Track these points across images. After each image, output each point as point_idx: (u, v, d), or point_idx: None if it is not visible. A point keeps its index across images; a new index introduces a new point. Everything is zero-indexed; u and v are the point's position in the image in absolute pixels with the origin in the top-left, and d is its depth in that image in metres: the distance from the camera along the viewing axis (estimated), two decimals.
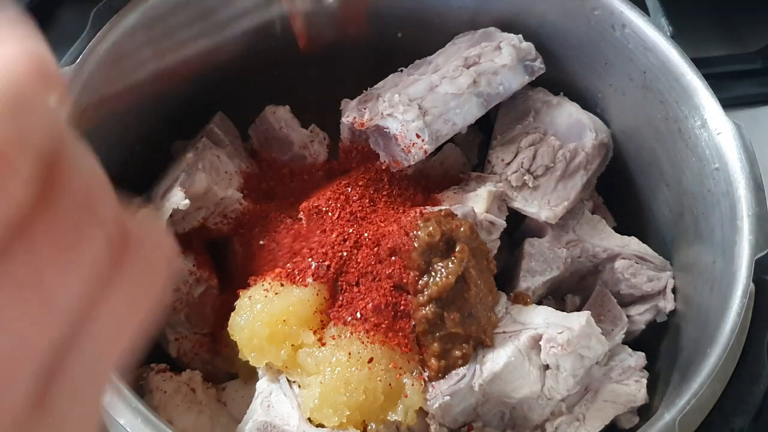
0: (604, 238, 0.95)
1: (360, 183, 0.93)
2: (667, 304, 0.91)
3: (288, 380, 0.82)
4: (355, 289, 0.83)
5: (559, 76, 1.00)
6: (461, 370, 0.81)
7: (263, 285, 0.84)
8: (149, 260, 0.32)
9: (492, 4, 1.00)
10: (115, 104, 0.89)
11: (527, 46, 0.96)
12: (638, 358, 0.89)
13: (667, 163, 0.93)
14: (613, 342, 0.89)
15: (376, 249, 0.85)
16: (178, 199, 0.88)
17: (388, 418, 0.78)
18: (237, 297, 0.85)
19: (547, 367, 0.81)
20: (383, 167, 0.94)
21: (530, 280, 0.92)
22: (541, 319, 0.84)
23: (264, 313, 0.81)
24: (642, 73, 0.93)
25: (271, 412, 0.79)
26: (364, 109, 0.93)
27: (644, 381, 0.87)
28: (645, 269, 0.93)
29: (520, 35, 0.97)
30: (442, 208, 0.91)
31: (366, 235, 0.86)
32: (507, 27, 0.99)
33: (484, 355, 0.82)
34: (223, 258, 0.99)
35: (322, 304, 0.83)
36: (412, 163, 0.91)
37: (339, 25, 1.06)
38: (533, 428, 0.83)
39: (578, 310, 0.92)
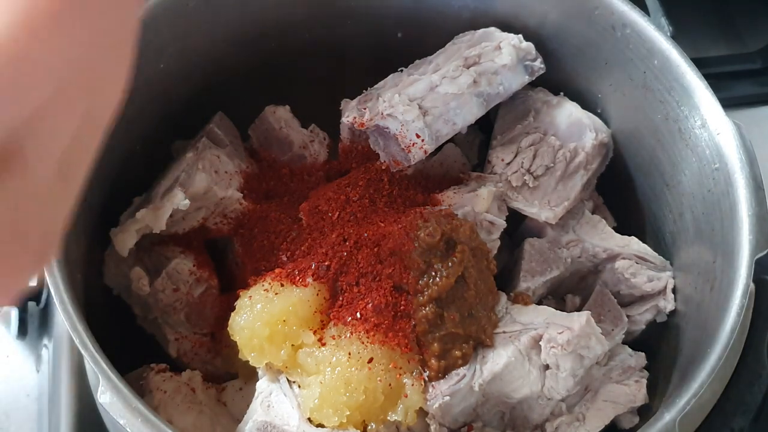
0: (604, 238, 0.95)
1: (360, 183, 0.93)
2: (667, 304, 0.91)
3: (288, 380, 0.82)
4: (355, 290, 0.83)
5: (559, 76, 1.00)
6: (461, 370, 0.81)
7: (263, 285, 0.84)
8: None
9: (492, 4, 1.00)
10: None
11: (527, 46, 0.96)
12: (638, 358, 0.89)
13: (667, 163, 0.93)
14: (613, 342, 0.89)
15: (376, 249, 0.85)
16: (178, 199, 0.88)
17: (388, 418, 0.78)
18: (237, 297, 0.85)
19: (547, 367, 0.81)
20: (383, 167, 0.94)
21: (530, 280, 0.92)
22: (541, 319, 0.84)
23: (264, 313, 0.81)
24: (642, 73, 0.93)
25: (271, 412, 0.79)
26: (364, 109, 0.93)
27: (644, 381, 0.87)
28: (645, 269, 0.93)
29: (520, 35, 0.97)
30: (442, 208, 0.91)
31: (366, 235, 0.86)
32: (507, 27, 0.99)
33: (484, 355, 0.82)
34: (223, 258, 0.99)
35: (322, 304, 0.83)
36: (412, 163, 0.91)
37: (339, 25, 1.06)
38: (533, 428, 0.83)
39: (578, 310, 0.92)
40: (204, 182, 0.91)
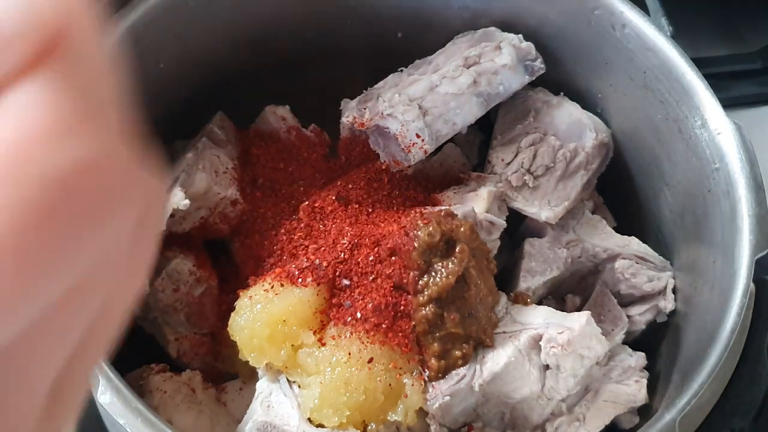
0: (605, 238, 0.95)
1: (360, 183, 0.93)
2: (668, 304, 0.91)
3: (288, 380, 0.82)
4: (355, 290, 0.83)
5: (559, 76, 1.00)
6: (461, 370, 0.81)
7: (263, 285, 0.84)
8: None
9: (492, 4, 1.00)
10: None
11: (527, 46, 0.96)
12: (638, 358, 0.89)
13: (667, 163, 0.93)
14: (613, 342, 0.89)
15: (376, 249, 0.85)
16: (178, 199, 0.88)
17: (388, 418, 0.78)
18: (237, 297, 0.85)
19: (547, 367, 0.81)
20: (383, 167, 0.94)
21: (530, 280, 0.92)
22: (541, 319, 0.84)
23: (264, 313, 0.81)
24: (642, 73, 0.93)
25: (271, 412, 0.79)
26: (364, 109, 0.93)
27: (644, 381, 0.87)
28: (645, 269, 0.93)
29: (520, 35, 0.97)
30: (442, 208, 0.91)
31: (366, 235, 0.86)
32: (507, 27, 0.99)
33: (484, 356, 0.82)
34: (223, 258, 0.99)
35: (322, 304, 0.83)
36: (412, 163, 0.91)
37: (339, 25, 1.06)
38: (533, 428, 0.83)
39: (578, 310, 0.92)
40: (204, 182, 0.91)
